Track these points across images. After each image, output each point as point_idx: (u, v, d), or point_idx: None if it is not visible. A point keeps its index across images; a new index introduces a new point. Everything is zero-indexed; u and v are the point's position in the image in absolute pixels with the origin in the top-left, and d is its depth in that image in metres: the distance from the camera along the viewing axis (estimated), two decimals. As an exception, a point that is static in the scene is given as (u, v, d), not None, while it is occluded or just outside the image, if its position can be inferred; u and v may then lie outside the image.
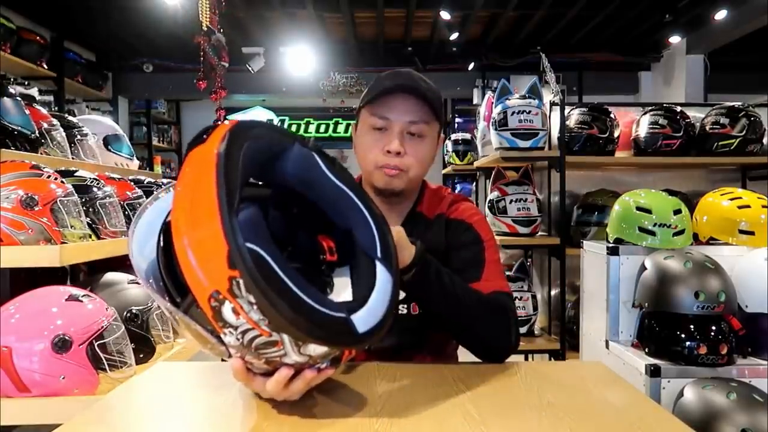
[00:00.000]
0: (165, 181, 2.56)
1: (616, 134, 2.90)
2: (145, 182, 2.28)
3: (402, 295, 1.14)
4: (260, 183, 0.80)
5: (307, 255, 0.79)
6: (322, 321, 0.65)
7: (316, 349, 0.67)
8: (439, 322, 1.07)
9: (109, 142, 2.40)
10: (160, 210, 0.75)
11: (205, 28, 3.96)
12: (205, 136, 0.69)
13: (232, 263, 0.60)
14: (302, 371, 0.71)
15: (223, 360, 0.82)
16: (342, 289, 0.77)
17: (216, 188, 0.62)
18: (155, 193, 0.81)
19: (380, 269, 0.76)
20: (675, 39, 5.99)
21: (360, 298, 0.72)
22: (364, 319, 0.69)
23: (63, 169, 1.79)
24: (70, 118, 2.26)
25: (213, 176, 0.63)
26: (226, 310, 0.62)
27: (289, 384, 0.72)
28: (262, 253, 0.62)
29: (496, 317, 1.03)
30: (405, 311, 1.14)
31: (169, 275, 0.69)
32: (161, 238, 0.72)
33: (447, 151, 4.77)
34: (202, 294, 0.63)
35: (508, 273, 2.99)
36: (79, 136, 2.16)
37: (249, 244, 0.61)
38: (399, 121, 1.10)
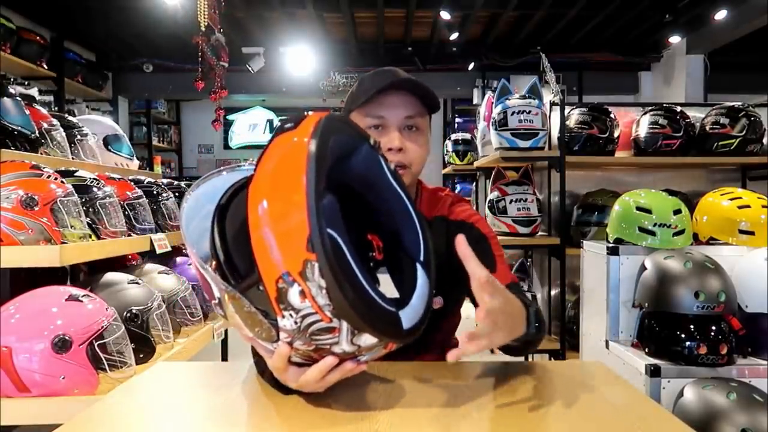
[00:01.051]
0: (165, 181, 2.56)
1: (616, 134, 2.90)
2: (145, 182, 2.28)
3: None
4: None
5: (359, 251, 0.81)
6: (380, 312, 0.68)
7: (366, 340, 0.69)
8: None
9: (109, 142, 2.40)
10: (215, 189, 0.78)
11: (203, 28, 3.96)
12: (290, 125, 0.71)
13: (311, 246, 0.63)
14: (343, 362, 0.73)
15: (224, 360, 0.82)
16: (387, 288, 0.79)
17: (306, 173, 0.65)
18: (210, 173, 0.83)
19: (420, 272, 0.80)
20: (675, 39, 5.99)
21: (404, 297, 0.76)
22: (408, 317, 0.73)
23: (63, 169, 1.79)
24: (70, 118, 2.26)
25: (304, 161, 0.66)
26: (293, 292, 0.65)
27: (327, 375, 0.73)
28: (339, 240, 0.66)
29: (539, 327, 0.98)
30: None
31: (225, 256, 0.72)
32: (216, 219, 0.75)
33: (447, 151, 4.77)
34: (271, 275, 0.65)
35: (508, 273, 2.98)
36: (79, 136, 2.16)
37: (329, 230, 0.65)
38: (395, 118, 1.10)
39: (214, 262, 0.73)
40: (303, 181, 0.65)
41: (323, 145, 0.68)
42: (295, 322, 0.67)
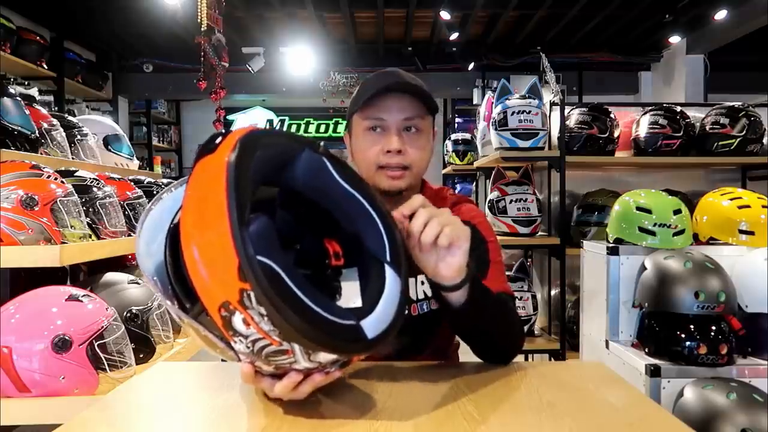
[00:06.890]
0: (165, 181, 2.56)
1: (616, 134, 2.91)
2: (145, 182, 2.28)
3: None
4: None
5: (314, 259, 0.79)
6: (333, 330, 0.65)
7: (326, 356, 0.68)
8: (453, 328, 1.06)
9: (109, 142, 2.40)
10: (168, 209, 0.75)
11: (204, 28, 3.96)
12: (214, 144, 0.68)
13: (243, 276, 0.60)
14: (311, 375, 0.72)
15: (223, 360, 0.82)
16: (351, 294, 0.77)
17: (227, 200, 0.62)
18: (162, 191, 0.80)
19: (389, 273, 0.76)
20: (675, 39, 5.99)
21: (369, 303, 0.73)
22: (373, 324, 0.70)
23: (63, 169, 1.79)
24: (70, 118, 2.26)
25: (224, 188, 0.63)
26: (237, 320, 0.63)
27: (298, 386, 0.73)
28: (273, 265, 0.63)
29: (513, 325, 1.04)
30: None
31: (178, 280, 0.69)
32: (168, 242, 0.72)
33: (447, 151, 4.77)
34: (212, 303, 0.63)
35: (508, 273, 2.99)
36: (79, 136, 2.16)
37: (260, 257, 0.62)
38: (394, 120, 1.10)
39: (169, 286, 0.70)
40: (225, 209, 0.62)
41: (243, 165, 0.65)
42: (247, 347, 0.66)
